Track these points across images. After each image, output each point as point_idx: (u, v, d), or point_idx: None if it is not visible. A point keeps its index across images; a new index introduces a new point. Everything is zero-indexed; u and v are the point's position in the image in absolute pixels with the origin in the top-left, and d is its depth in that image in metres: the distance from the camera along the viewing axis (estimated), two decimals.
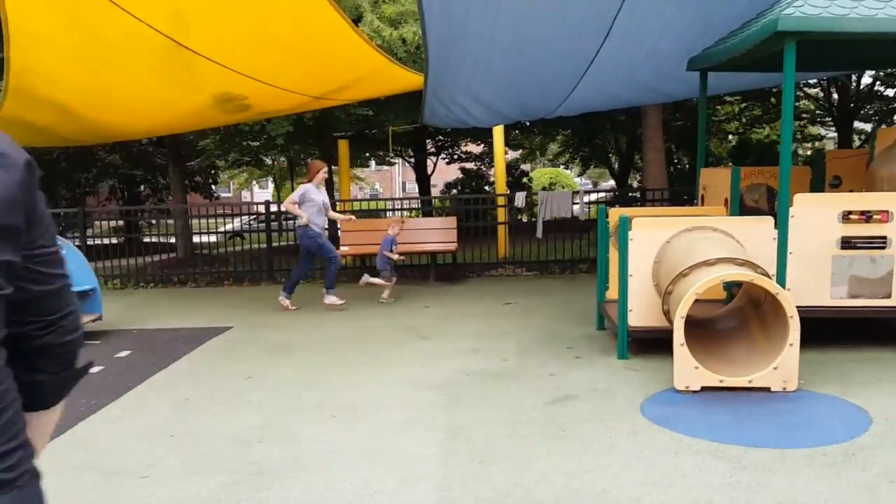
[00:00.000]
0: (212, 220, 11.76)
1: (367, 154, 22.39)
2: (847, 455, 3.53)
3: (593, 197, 17.20)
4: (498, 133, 11.77)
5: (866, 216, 5.25)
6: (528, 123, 20.02)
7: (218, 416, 4.50)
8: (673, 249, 5.26)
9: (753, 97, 19.32)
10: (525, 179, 24.01)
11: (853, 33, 5.00)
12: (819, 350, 5.40)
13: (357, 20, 11.31)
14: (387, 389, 4.91)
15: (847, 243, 5.27)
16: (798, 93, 19.86)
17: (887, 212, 5.21)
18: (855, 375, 4.81)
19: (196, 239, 12.72)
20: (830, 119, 19.42)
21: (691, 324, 5.26)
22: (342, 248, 9.79)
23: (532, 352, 5.79)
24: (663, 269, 5.25)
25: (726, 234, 5.29)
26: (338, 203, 11.69)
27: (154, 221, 16.22)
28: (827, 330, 5.77)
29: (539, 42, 6.79)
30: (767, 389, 4.50)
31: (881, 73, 17.68)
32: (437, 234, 9.76)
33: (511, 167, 24.93)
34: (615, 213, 6.43)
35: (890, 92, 18.74)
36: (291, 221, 10.43)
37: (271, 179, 30.17)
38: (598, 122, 18.34)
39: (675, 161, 21.50)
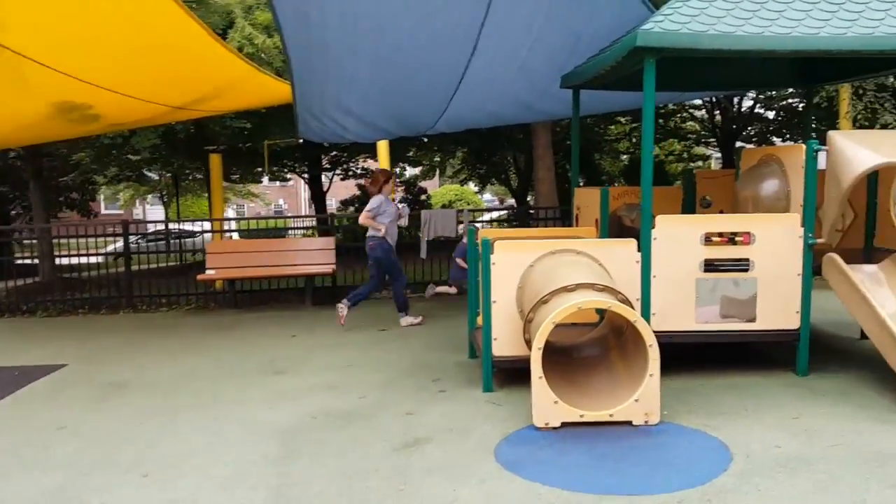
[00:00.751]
0: (92, 240, 10.65)
1: (260, 169, 21.52)
2: (703, 501, 3.27)
3: (495, 215, 17.11)
4: (382, 149, 11.36)
5: (728, 238, 5.12)
6: (425, 139, 19.81)
7: (10, 478, 3.82)
8: (536, 274, 4.97)
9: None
10: (423, 197, 23.71)
11: (712, 50, 4.88)
12: (688, 376, 5.23)
13: (228, 27, 10.68)
14: (219, 438, 4.35)
15: (710, 266, 5.13)
16: (684, 114, 20.56)
17: (749, 234, 5.11)
18: (721, 404, 4.63)
19: (70, 261, 11.61)
20: (714, 140, 20.13)
21: (555, 352, 4.98)
22: (207, 272, 9.09)
23: (395, 386, 5.36)
24: (526, 295, 4.94)
25: (590, 257, 5.04)
26: (210, 223, 10.94)
27: (25, 242, 14.89)
28: (696, 354, 5.64)
29: (404, 53, 6.44)
30: (630, 423, 4.24)
31: (761, 96, 18.51)
32: (314, 256, 9.22)
33: (410, 184, 24.65)
34: (485, 235, 6.12)
35: (770, 114, 19.60)
36: (158, 243, 9.61)
37: (159, 195, 28.63)
38: (495, 140, 18.28)
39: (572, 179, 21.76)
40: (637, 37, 4.84)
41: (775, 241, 5.11)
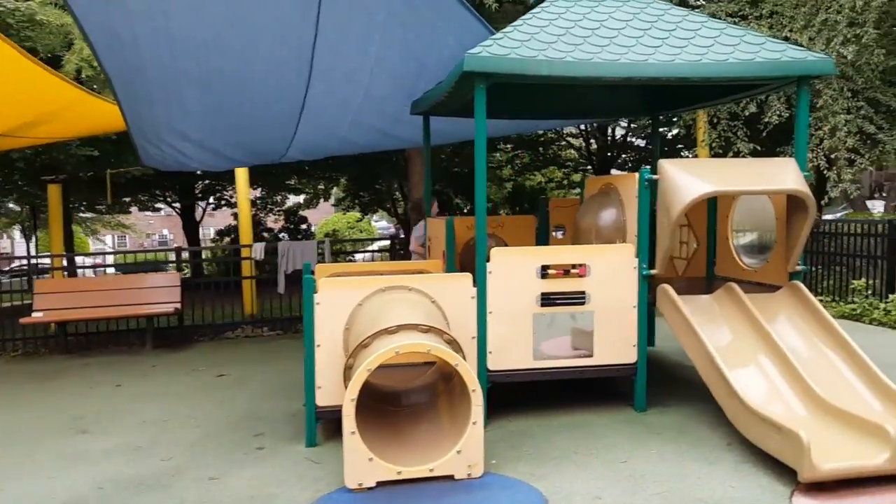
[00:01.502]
0: None
1: (127, 198, 20.20)
2: None
3: (381, 244, 16.62)
4: (241, 177, 10.76)
5: (564, 270, 4.92)
6: (306, 167, 19.21)
7: None
8: (363, 314, 4.57)
9: (524, 145, 20.04)
10: (304, 226, 22.97)
11: (541, 76, 4.70)
12: (527, 417, 4.95)
13: (67, 48, 9.85)
14: None
15: (547, 300, 4.89)
16: (562, 142, 20.98)
17: (585, 265, 4.92)
18: (554, 447, 4.36)
19: None
20: (591, 167, 20.61)
21: (382, 399, 4.59)
22: (34, 314, 8.17)
23: (210, 443, 4.79)
24: (352, 338, 4.53)
25: (423, 294, 4.70)
26: (46, 259, 9.94)
27: None
28: (534, 393, 5.39)
29: (235, 76, 5.96)
30: (451, 477, 3.88)
31: (633, 125, 19.13)
32: (156, 294, 8.46)
33: (291, 213, 23.87)
34: (323, 270, 5.68)
35: (641, 142, 20.28)
36: None
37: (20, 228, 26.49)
38: (376, 166, 17.92)
39: (458, 206, 21.68)
40: (465, 61, 4.60)
41: (611, 273, 4.95)
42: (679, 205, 4.67)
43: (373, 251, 17.70)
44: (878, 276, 8.36)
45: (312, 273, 5.69)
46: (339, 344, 4.61)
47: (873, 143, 10.03)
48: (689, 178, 4.73)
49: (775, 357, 4.49)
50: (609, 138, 19.99)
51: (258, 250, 9.47)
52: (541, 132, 19.89)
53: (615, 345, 4.98)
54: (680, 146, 17.73)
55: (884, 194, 27.05)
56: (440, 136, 7.56)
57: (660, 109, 7.07)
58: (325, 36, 5.51)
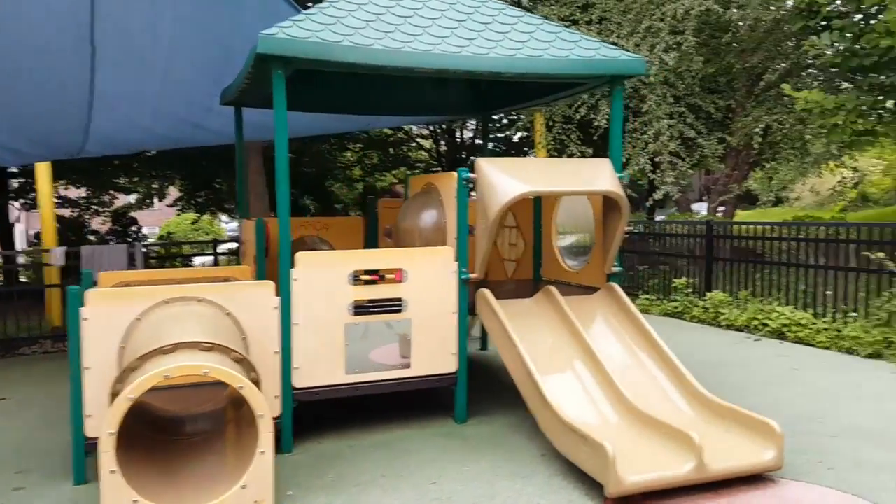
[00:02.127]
0: None
1: None
2: None
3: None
4: (42, 173, 9.55)
5: (378, 276, 4.55)
6: (135, 165, 17.77)
7: None
8: (141, 330, 3.95)
9: (374, 144, 19.69)
10: (133, 228, 21.21)
11: (346, 63, 4.30)
12: (340, 436, 4.54)
13: None
14: None
15: (360, 308, 4.50)
16: (412, 143, 20.81)
17: (401, 270, 4.58)
18: (362, 470, 3.98)
19: None
20: (441, 168, 20.57)
21: (160, 428, 4.00)
22: None
23: None
24: (126, 358, 3.90)
25: (216, 305, 4.15)
26: None
27: None
28: (352, 409, 4.99)
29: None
30: None
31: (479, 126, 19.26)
32: None
33: (120, 214, 22.02)
34: (108, 279, 4.97)
35: (490, 144, 20.49)
36: None
37: None
38: (210, 164, 16.81)
39: (304, 206, 20.91)
40: (257, 43, 4.10)
41: (429, 278, 4.65)
42: (496, 206, 4.45)
43: (220, 254, 16.56)
44: (697, 275, 8.71)
45: (95, 282, 4.98)
46: (113, 366, 3.96)
47: (693, 147, 10.55)
48: (505, 178, 4.52)
49: (590, 362, 4.37)
50: (458, 140, 20.06)
51: (58, 255, 8.40)
52: (390, 132, 19.62)
53: (434, 354, 4.68)
54: (526, 149, 18.08)
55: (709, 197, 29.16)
56: (259, 130, 6.98)
57: (489, 108, 6.91)
58: (103, 13, 4.81)
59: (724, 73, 10.86)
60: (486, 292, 4.70)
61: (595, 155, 11.92)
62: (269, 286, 4.30)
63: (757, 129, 9.95)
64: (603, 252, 5.07)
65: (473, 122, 19.26)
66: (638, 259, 9.83)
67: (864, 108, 7.50)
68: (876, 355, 6.19)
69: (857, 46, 7.27)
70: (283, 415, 4.31)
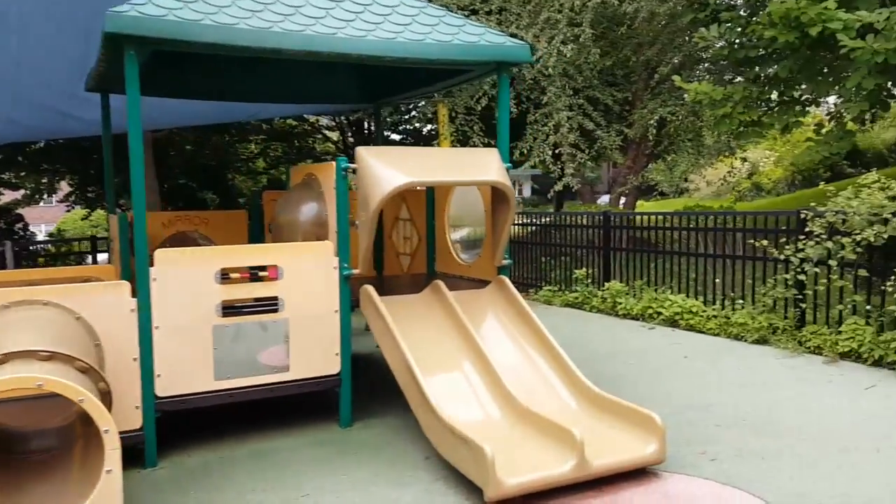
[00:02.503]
0: None
1: None
2: None
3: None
4: None
5: (251, 274, 4.23)
6: (20, 158, 16.56)
7: None
8: None
9: (278, 136, 19.09)
10: (19, 226, 19.79)
11: (207, 44, 3.95)
12: (207, 449, 4.20)
13: None
14: None
15: (230, 309, 4.17)
16: (318, 135, 20.28)
17: (276, 267, 4.28)
18: (227, 486, 3.67)
19: None
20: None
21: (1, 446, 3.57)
22: None
23: None
24: None
25: (64, 309, 3.74)
26: None
27: None
28: (226, 417, 4.65)
29: None
30: None
31: (388, 119, 18.97)
32: None
33: (5, 211, 20.49)
34: None
35: (396, 136, 20.21)
36: None
37: None
38: (101, 158, 15.81)
39: (202, 200, 20.03)
40: (106, 21, 3.71)
41: (307, 275, 4.36)
42: (376, 197, 4.21)
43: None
44: (597, 266, 8.75)
45: None
46: None
47: (593, 139, 10.64)
48: (386, 169, 4.28)
49: (476, 360, 4.20)
50: (365, 132, 19.67)
51: None
52: (294, 123, 19.07)
53: (315, 355, 4.40)
54: (435, 141, 17.87)
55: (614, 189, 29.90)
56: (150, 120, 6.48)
57: (380, 97, 6.66)
58: None
59: (621, 65, 11.00)
60: (370, 288, 4.46)
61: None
62: (123, 287, 3.91)
63: (652, 122, 10.11)
64: (493, 245, 4.92)
65: (385, 113, 18.98)
66: (541, 250, 9.83)
67: (751, 99, 7.69)
68: (762, 341, 6.32)
69: (744, 38, 7.43)
70: (144, 427, 3.94)
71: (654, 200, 31.22)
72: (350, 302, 4.51)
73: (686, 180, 29.21)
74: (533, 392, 4.12)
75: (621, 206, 13.14)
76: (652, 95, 10.69)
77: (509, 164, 4.83)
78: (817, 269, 5.97)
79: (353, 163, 4.40)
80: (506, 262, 4.93)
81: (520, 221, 10.43)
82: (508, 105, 4.88)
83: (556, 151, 10.29)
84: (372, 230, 4.34)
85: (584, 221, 9.04)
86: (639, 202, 28.10)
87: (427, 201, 5.89)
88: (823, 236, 5.81)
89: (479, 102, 10.16)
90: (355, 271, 4.44)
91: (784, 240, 6.30)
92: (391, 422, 4.57)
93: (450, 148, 5.05)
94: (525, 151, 10.43)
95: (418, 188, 5.93)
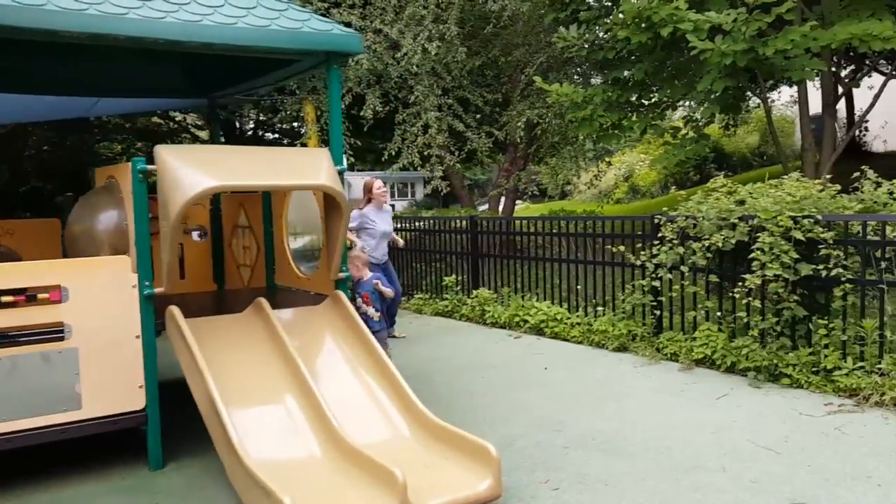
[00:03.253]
0: None
1: None
2: None
3: None
4: None
5: (26, 296, 3.56)
6: None
7: None
8: None
9: (144, 135, 17.90)
10: None
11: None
12: None
13: None
14: None
15: (4, 338, 3.49)
16: (185, 134, 19.09)
17: (59, 288, 3.62)
18: None
19: None
20: None
21: None
22: None
23: None
24: None
25: None
26: None
27: None
28: (17, 462, 3.94)
29: None
30: None
31: (262, 118, 18.10)
32: None
33: None
34: None
35: (270, 135, 19.33)
36: None
37: None
38: None
39: (59, 205, 18.39)
40: None
41: (100, 295, 3.74)
42: (177, 203, 3.63)
43: None
44: (466, 272, 8.45)
45: None
46: None
47: (463, 141, 10.36)
48: (190, 171, 3.72)
49: (299, 389, 3.71)
50: (237, 131, 18.70)
51: None
52: (159, 121, 17.93)
53: (114, 389, 3.78)
54: (298, 141, 17.15)
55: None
56: None
57: (211, 90, 6.02)
58: None
59: (491, 66, 10.79)
60: (174, 309, 3.87)
61: (364, 147, 11.39)
62: None
63: (520, 124, 9.94)
64: (328, 256, 4.45)
65: (254, 114, 18.06)
66: (414, 256, 9.43)
67: (611, 102, 7.61)
68: (622, 348, 6.18)
69: (602, 40, 7.33)
70: None
71: (544, 203, 31.73)
72: (154, 325, 3.91)
73: (568, 183, 29.87)
74: (364, 422, 3.69)
75: (500, 210, 12.98)
76: (522, 97, 10.53)
77: (343, 167, 4.39)
78: (671, 275, 5.88)
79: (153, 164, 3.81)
80: (343, 274, 4.46)
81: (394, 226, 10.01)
82: (340, 101, 4.44)
83: (426, 153, 9.94)
84: (174, 242, 3.77)
85: (453, 226, 8.72)
86: (527, 205, 28.42)
87: (263, 207, 5.35)
88: (675, 241, 5.72)
89: (343, 99, 9.63)
90: (158, 291, 3.84)
91: (640, 245, 6.19)
92: (210, 462, 3.97)
93: (276, 148, 4.54)
94: (393, 153, 10.01)
95: (252, 193, 5.38)
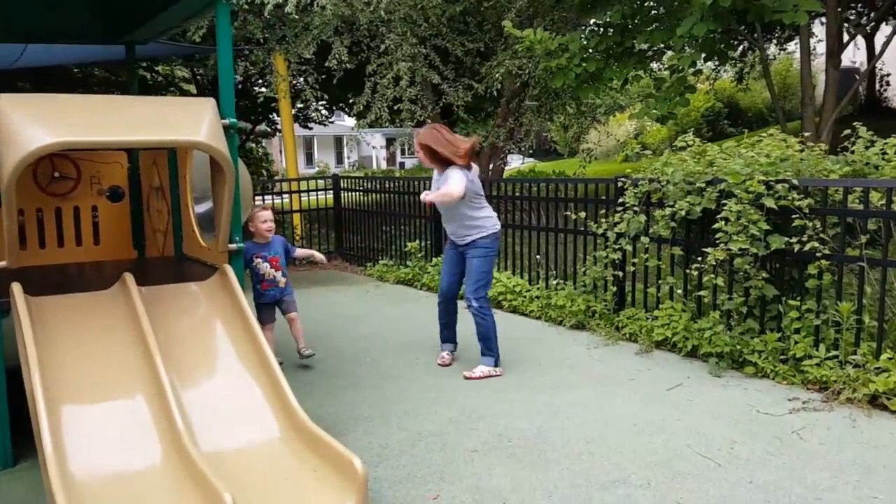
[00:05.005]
0: None
1: None
2: None
3: None
4: None
5: None
6: None
7: None
8: None
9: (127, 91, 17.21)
10: None
11: None
12: None
13: None
14: None
15: None
16: (171, 88, 18.45)
17: None
18: None
19: None
20: None
21: None
22: None
23: None
24: None
25: None
26: None
27: None
28: None
29: None
30: None
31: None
32: None
33: None
34: None
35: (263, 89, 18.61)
36: None
37: None
38: None
39: None
40: None
41: None
42: (10, 162, 3.05)
43: None
44: (428, 238, 7.84)
45: None
46: None
47: (437, 93, 9.63)
48: (29, 125, 3.13)
49: (154, 388, 3.16)
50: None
51: None
52: (146, 74, 17.27)
53: None
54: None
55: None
56: None
57: (125, 33, 5.35)
58: None
59: (473, 12, 9.96)
60: (16, 287, 3.32)
61: (333, 102, 10.71)
62: None
63: (497, 75, 9.17)
64: (216, 224, 3.87)
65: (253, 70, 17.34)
66: (381, 220, 8.83)
67: (588, 49, 6.86)
68: (580, 326, 5.58)
69: None
70: None
71: (551, 161, 30.77)
72: None
73: (577, 140, 28.85)
74: (229, 424, 3.14)
75: (489, 171, 12.26)
76: (506, 46, 9.72)
77: (234, 120, 3.77)
78: (634, 246, 5.24)
79: None
80: (233, 246, 3.88)
81: (364, 187, 9.39)
82: (230, 46, 3.78)
83: (396, 108, 9.24)
84: (10, 209, 3.19)
85: (417, 188, 8.08)
86: (534, 164, 27.51)
87: (170, 166, 4.77)
88: (638, 208, 5.06)
89: (307, 48, 8.92)
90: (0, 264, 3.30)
91: (604, 211, 5.54)
92: None
93: (153, 98, 3.92)
94: (362, 107, 9.31)
95: (163, 150, 4.79)
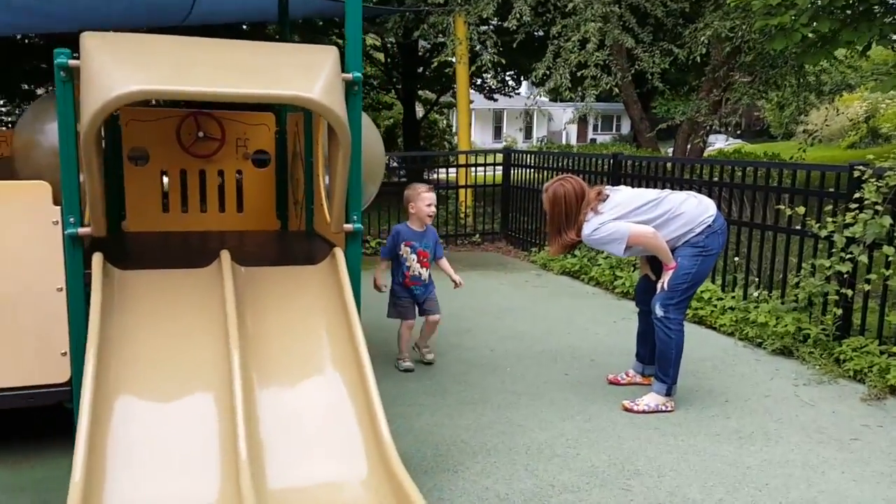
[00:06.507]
0: None
1: None
2: None
3: None
4: None
5: None
6: None
7: None
8: None
9: None
10: None
11: None
12: None
13: None
14: None
15: None
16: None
17: None
18: None
19: None
20: (399, 86, 18.45)
21: None
22: None
23: None
24: None
25: None
26: None
27: None
28: None
29: None
30: None
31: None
32: None
33: None
34: None
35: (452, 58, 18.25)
36: None
37: None
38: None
39: None
40: None
41: (9, 233, 2.90)
42: (89, 110, 2.61)
43: None
44: None
45: None
46: None
47: (630, 59, 8.46)
48: (116, 68, 2.68)
49: (225, 392, 2.61)
50: (419, 53, 17.76)
51: None
52: (338, 41, 17.49)
53: (25, 355, 2.97)
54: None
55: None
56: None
57: None
58: None
59: None
60: (96, 258, 2.91)
61: (520, 72, 9.86)
62: None
63: (703, 40, 7.82)
64: (329, 200, 3.27)
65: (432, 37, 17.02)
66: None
67: (821, 6, 5.44)
68: (785, 351, 4.39)
69: None
70: None
71: (761, 143, 27.73)
72: (83, 276, 3.00)
73: (796, 122, 25.65)
74: (313, 449, 2.54)
75: (686, 151, 10.85)
76: (716, 6, 8.31)
77: (358, 74, 3.12)
78: (871, 256, 3.94)
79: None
80: (349, 226, 3.25)
81: (536, 164, 8.46)
82: None
83: (580, 74, 8.22)
84: (91, 164, 2.75)
85: (594, 166, 7.07)
86: (742, 145, 24.95)
87: (305, 130, 4.27)
88: (882, 206, 3.77)
89: (486, 8, 8.16)
90: (82, 230, 2.90)
91: (830, 207, 4.26)
92: None
93: (265, 43, 3.33)
94: (541, 75, 8.41)
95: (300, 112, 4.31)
